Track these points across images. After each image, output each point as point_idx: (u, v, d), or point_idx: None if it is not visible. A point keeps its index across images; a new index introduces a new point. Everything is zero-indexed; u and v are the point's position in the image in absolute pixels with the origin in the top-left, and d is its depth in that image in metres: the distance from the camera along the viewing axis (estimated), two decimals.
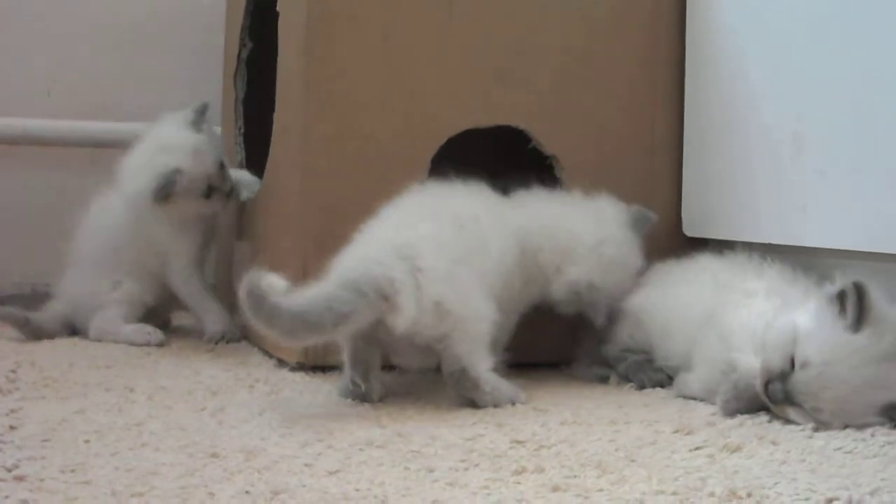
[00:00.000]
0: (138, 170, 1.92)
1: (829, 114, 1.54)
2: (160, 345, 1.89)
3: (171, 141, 1.94)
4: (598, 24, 1.80)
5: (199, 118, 1.99)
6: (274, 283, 1.31)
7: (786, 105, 1.62)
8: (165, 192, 1.87)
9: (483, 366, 1.42)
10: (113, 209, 1.98)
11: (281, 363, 1.70)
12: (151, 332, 1.92)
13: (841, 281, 1.30)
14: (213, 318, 1.95)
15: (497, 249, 1.53)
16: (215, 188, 1.93)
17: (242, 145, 2.10)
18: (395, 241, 1.43)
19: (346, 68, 1.67)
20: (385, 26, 1.69)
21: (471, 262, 1.46)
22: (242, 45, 2.09)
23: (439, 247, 1.44)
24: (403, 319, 1.37)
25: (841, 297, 1.29)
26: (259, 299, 1.30)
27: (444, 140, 1.70)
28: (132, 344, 1.88)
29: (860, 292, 1.26)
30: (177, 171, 1.88)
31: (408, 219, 1.49)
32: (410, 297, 1.38)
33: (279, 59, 1.79)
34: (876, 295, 1.28)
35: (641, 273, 1.67)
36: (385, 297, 1.36)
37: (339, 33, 1.67)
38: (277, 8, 1.80)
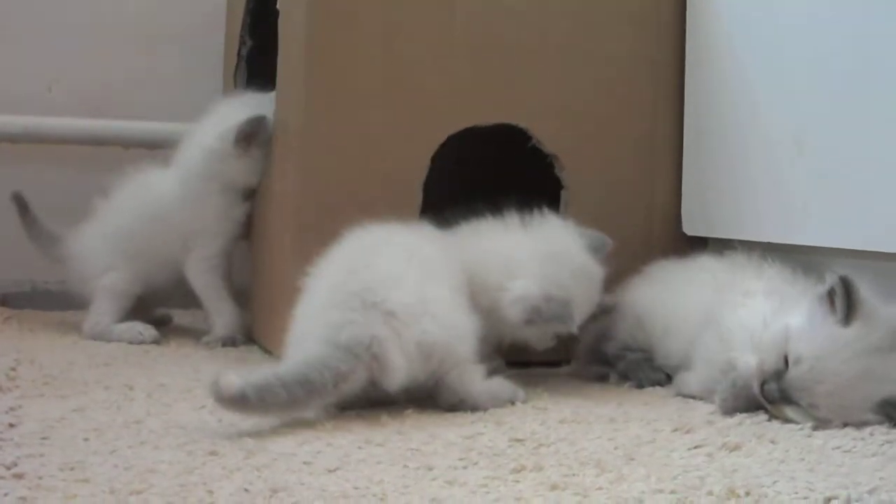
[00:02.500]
0: (219, 120, 1.90)
1: (829, 113, 1.54)
2: (155, 342, 1.87)
3: (252, 100, 1.91)
4: (598, 23, 1.80)
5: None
6: (232, 380, 1.21)
7: (786, 105, 1.62)
8: (254, 130, 1.84)
9: (477, 385, 1.39)
10: (158, 184, 1.95)
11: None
12: (143, 330, 1.89)
13: (830, 278, 1.31)
14: (225, 319, 1.91)
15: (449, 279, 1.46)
16: None
17: None
18: (351, 288, 1.36)
19: (347, 66, 1.67)
20: (386, 25, 1.69)
21: (434, 278, 1.41)
22: (242, 43, 2.09)
23: (398, 280, 1.37)
24: (396, 376, 1.32)
25: (830, 294, 1.29)
26: (242, 395, 1.21)
27: (444, 138, 1.70)
28: (128, 342, 1.87)
29: (847, 287, 1.27)
30: (264, 117, 1.84)
31: (356, 261, 1.42)
32: (396, 350, 1.32)
33: (279, 57, 1.79)
34: (864, 289, 1.29)
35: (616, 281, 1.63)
36: (374, 356, 1.31)
37: (339, 31, 1.67)
38: (278, 6, 1.80)
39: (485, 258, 1.52)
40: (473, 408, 1.37)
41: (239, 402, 1.20)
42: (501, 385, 1.43)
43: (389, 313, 1.33)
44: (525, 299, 1.48)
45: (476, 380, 1.39)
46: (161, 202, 1.94)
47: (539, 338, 1.55)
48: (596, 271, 1.55)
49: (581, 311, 1.53)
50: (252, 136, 1.86)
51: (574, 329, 1.50)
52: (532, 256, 1.51)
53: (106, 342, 1.88)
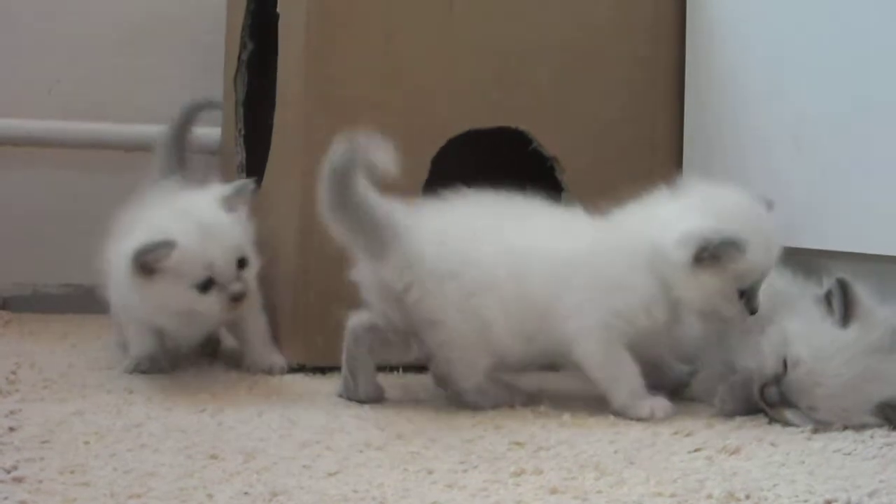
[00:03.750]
0: (136, 223, 1.58)
1: (829, 114, 1.54)
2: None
3: (183, 205, 1.60)
4: (598, 24, 1.80)
5: (238, 195, 1.64)
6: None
7: (786, 105, 1.62)
8: (147, 263, 1.49)
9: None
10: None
11: None
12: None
13: (827, 281, 1.31)
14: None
15: None
16: (217, 283, 1.53)
17: (243, 146, 2.10)
18: None
19: (347, 69, 1.67)
20: (386, 27, 1.69)
21: None
22: (243, 45, 2.09)
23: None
24: None
25: (828, 296, 1.30)
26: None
27: (444, 141, 1.70)
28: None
29: (845, 288, 1.27)
30: (167, 243, 1.49)
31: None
32: None
33: (279, 59, 1.79)
34: (862, 291, 1.29)
35: None
36: None
37: (339, 34, 1.67)
38: (278, 9, 1.80)
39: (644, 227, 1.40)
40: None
41: None
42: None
43: None
44: (691, 232, 1.34)
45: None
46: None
47: (706, 302, 1.37)
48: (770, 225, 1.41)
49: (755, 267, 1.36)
50: (149, 263, 1.50)
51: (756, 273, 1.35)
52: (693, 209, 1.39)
53: (108, 345, 1.86)
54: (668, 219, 1.38)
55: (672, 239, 1.35)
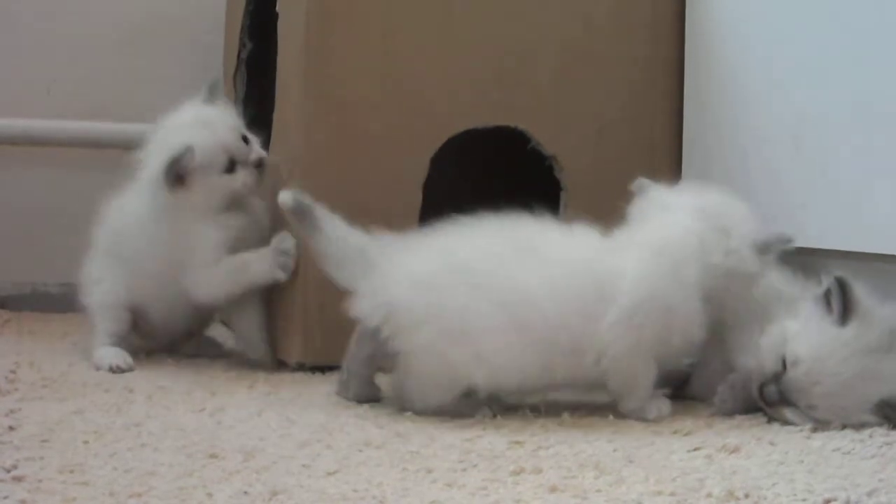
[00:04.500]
0: (149, 156, 1.72)
1: (828, 113, 1.54)
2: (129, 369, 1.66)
3: (177, 119, 1.74)
4: (597, 24, 1.80)
5: (212, 94, 1.78)
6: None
7: (785, 104, 1.62)
8: (178, 172, 1.65)
9: None
10: (128, 209, 1.77)
11: (280, 363, 1.70)
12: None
13: (826, 279, 1.31)
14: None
15: None
16: (238, 161, 1.70)
17: None
18: None
19: (346, 68, 1.67)
20: (385, 26, 1.69)
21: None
22: (242, 45, 2.09)
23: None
24: None
25: (827, 295, 1.30)
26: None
27: (443, 140, 1.70)
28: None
29: (843, 287, 1.27)
30: (187, 148, 1.65)
31: None
32: None
33: (279, 58, 1.79)
34: (861, 289, 1.29)
35: None
36: None
37: (338, 33, 1.67)
38: (277, 8, 1.80)
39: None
40: None
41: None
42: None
43: None
44: (768, 238, 1.39)
45: None
46: (138, 230, 1.77)
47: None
48: None
49: None
50: (182, 170, 1.66)
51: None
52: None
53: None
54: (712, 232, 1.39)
55: (743, 249, 1.38)
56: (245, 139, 1.73)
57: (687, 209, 1.42)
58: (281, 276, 1.66)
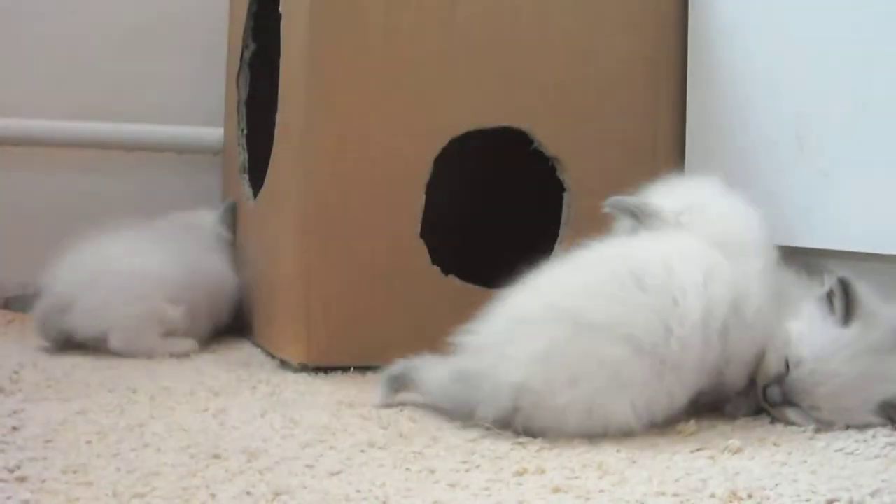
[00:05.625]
0: None
1: (831, 114, 1.54)
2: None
3: None
4: (600, 25, 1.80)
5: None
6: None
7: (788, 106, 1.62)
8: None
9: None
10: None
11: (284, 364, 1.70)
12: None
13: (829, 280, 1.31)
14: None
15: None
16: None
17: (245, 146, 2.10)
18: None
19: (349, 69, 1.67)
20: (388, 27, 1.69)
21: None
22: (245, 46, 2.09)
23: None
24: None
25: (830, 296, 1.30)
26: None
27: (446, 141, 1.70)
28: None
29: (846, 287, 1.27)
30: None
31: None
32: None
33: (282, 60, 1.79)
34: (863, 290, 1.29)
35: None
36: None
37: (341, 34, 1.67)
38: (280, 9, 1.80)
39: None
40: None
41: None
42: None
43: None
44: None
45: None
46: None
47: None
48: None
49: None
50: None
51: None
52: None
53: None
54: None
55: None
56: None
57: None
58: None
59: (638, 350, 1.22)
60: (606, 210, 1.44)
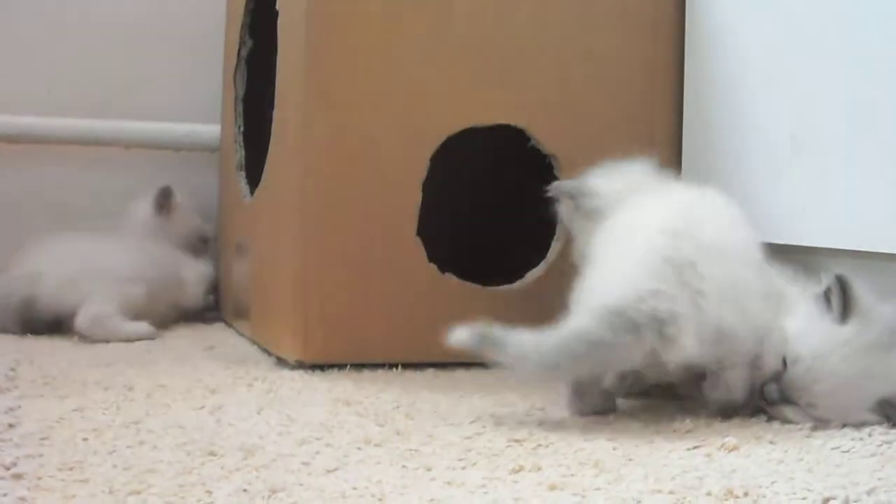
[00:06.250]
0: None
1: (828, 113, 1.55)
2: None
3: None
4: (597, 23, 1.80)
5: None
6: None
7: (785, 105, 1.63)
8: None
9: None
10: None
11: (280, 361, 1.70)
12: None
13: (826, 278, 1.31)
14: None
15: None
16: None
17: (242, 144, 2.10)
18: (669, 255, 1.28)
19: (346, 66, 1.67)
20: (385, 24, 1.69)
21: (748, 261, 1.34)
22: (242, 43, 2.09)
23: (720, 256, 1.29)
24: (682, 354, 1.25)
25: (827, 294, 1.30)
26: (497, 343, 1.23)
27: (443, 139, 1.70)
28: None
29: (843, 285, 1.28)
30: None
31: (676, 220, 1.33)
32: (692, 332, 1.25)
33: (279, 57, 1.79)
34: (861, 288, 1.29)
35: None
36: (662, 333, 1.25)
37: (338, 31, 1.67)
38: (277, 6, 1.80)
39: None
40: (735, 410, 1.33)
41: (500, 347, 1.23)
42: None
43: (699, 292, 1.26)
44: None
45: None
46: None
47: None
48: None
49: None
50: None
51: None
52: None
53: (108, 342, 1.90)
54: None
55: None
56: None
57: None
58: None
59: None
60: (550, 195, 1.55)
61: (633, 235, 1.35)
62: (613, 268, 1.33)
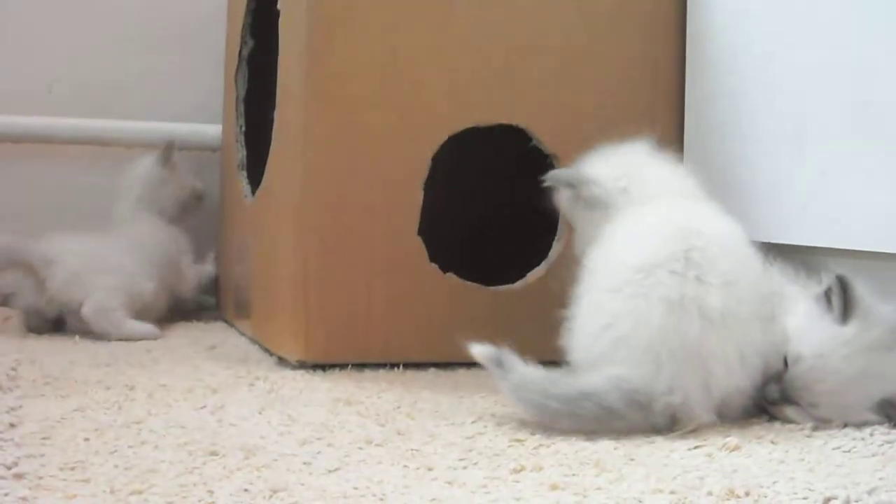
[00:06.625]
0: None
1: (829, 112, 1.54)
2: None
3: None
4: (598, 23, 1.80)
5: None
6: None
7: (786, 104, 1.62)
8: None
9: None
10: None
11: (281, 361, 1.70)
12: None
13: (827, 278, 1.31)
14: None
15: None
16: None
17: (243, 143, 2.10)
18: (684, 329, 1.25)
19: (347, 66, 1.67)
20: (386, 24, 1.69)
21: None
22: (243, 42, 2.09)
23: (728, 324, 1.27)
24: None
25: (828, 293, 1.30)
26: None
27: (444, 138, 1.70)
28: None
29: (844, 285, 1.28)
30: None
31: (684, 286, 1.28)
32: (702, 412, 1.26)
33: (280, 56, 1.79)
34: (861, 288, 1.29)
35: None
36: (674, 417, 1.25)
37: (339, 31, 1.67)
38: (278, 6, 1.80)
39: None
40: None
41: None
42: None
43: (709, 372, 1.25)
44: None
45: None
46: None
47: None
48: None
49: None
50: None
51: None
52: None
53: (109, 341, 1.91)
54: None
55: None
56: None
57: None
58: None
59: None
60: (546, 185, 1.52)
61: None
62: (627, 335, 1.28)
